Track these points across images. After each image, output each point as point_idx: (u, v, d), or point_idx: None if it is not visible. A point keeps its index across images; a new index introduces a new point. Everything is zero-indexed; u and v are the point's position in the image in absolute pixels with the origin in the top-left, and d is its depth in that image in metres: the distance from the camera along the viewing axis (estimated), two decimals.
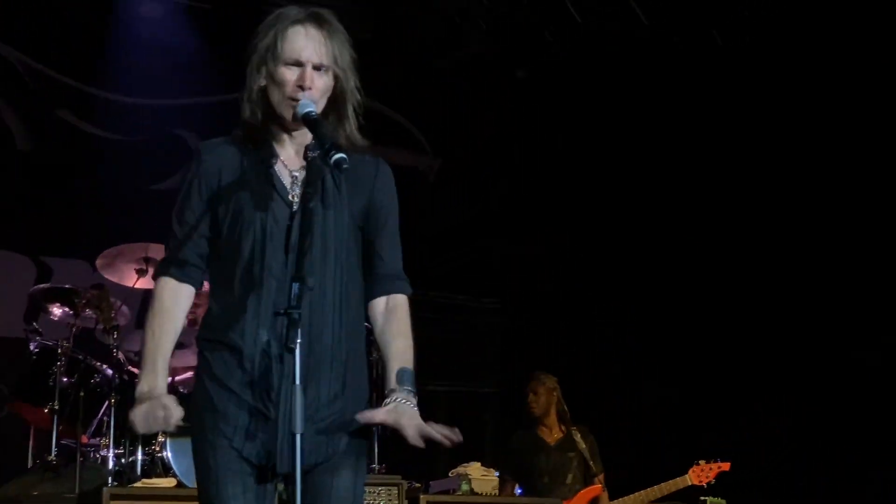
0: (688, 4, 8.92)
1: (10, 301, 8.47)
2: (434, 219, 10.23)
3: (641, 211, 9.31)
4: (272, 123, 3.26)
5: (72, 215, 8.90)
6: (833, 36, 8.06)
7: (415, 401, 3.16)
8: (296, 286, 2.90)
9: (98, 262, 7.68)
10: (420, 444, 3.09)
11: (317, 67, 3.18)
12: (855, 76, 7.95)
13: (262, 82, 3.22)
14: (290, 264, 3.09)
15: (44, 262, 9.07)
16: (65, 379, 6.91)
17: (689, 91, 8.99)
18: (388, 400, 3.16)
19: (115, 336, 7.07)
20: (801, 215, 8.20)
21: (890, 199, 7.74)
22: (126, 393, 6.96)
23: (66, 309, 7.34)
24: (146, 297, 8.08)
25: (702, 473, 7.22)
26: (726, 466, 7.25)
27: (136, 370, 7.17)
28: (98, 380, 7.08)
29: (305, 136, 3.22)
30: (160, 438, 6.51)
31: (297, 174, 3.23)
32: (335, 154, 2.97)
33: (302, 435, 2.89)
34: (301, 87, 3.15)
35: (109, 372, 7.01)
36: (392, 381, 3.19)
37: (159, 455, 6.53)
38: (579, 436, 7.53)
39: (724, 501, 7.21)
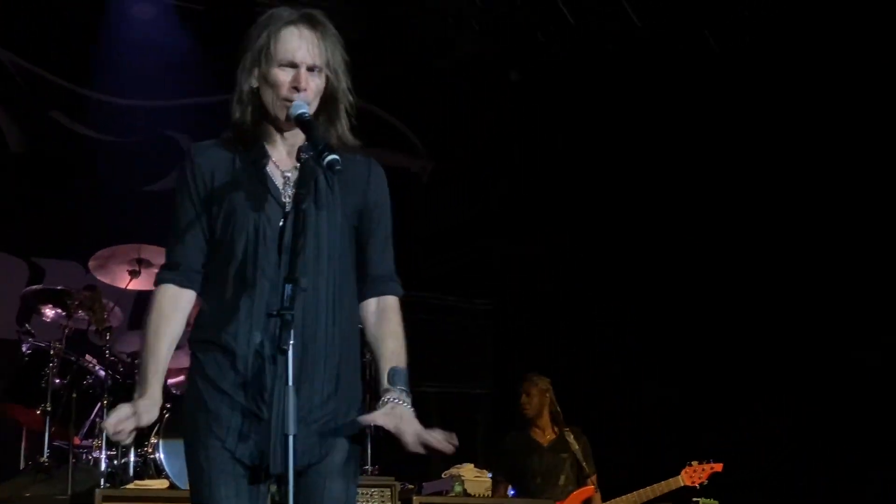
0: (679, 5, 8.92)
1: (3, 302, 8.45)
2: (427, 220, 10.22)
3: (641, 211, 9.31)
4: (264, 124, 3.26)
5: (64, 217, 8.89)
6: (828, 33, 8.07)
7: (409, 400, 3.16)
8: (288, 287, 2.90)
9: (91, 264, 7.68)
10: (420, 450, 3.09)
11: (310, 68, 3.18)
12: (853, 75, 7.95)
13: (255, 83, 3.21)
14: (284, 265, 3.08)
15: (36, 264, 9.06)
16: (57, 380, 6.90)
17: (687, 91, 9.00)
18: (383, 401, 3.16)
19: (108, 337, 7.06)
20: (800, 215, 8.21)
21: (889, 199, 7.73)
22: (118, 394, 6.95)
23: (59, 310, 7.34)
24: (139, 299, 8.11)
25: (694, 474, 7.22)
26: (719, 467, 7.25)
27: (127, 370, 7.18)
28: (90, 381, 7.07)
29: (297, 136, 3.22)
30: (153, 440, 6.50)
31: (289, 175, 3.23)
32: (328, 155, 2.97)
33: (295, 436, 2.89)
34: (296, 89, 3.15)
35: (102, 373, 7.00)
36: (387, 381, 3.19)
37: (152, 457, 6.53)
38: (572, 437, 7.53)
39: (716, 502, 7.21)
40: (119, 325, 7.73)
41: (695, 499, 7.22)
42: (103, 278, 7.70)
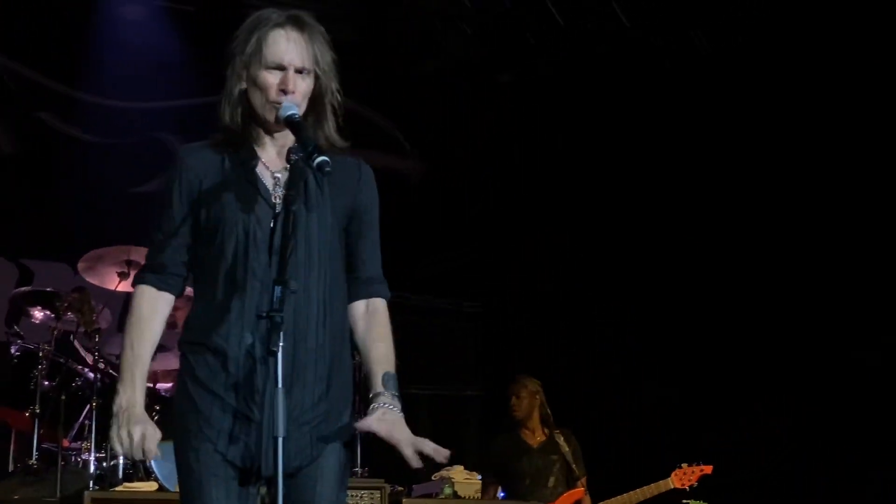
0: (668, 6, 8.94)
1: None
2: (418, 222, 10.21)
3: (641, 211, 9.31)
4: (253, 126, 3.25)
5: (53, 218, 8.88)
6: (819, 32, 8.09)
7: (399, 405, 3.17)
8: (278, 289, 2.90)
9: (80, 266, 7.67)
10: (418, 462, 3.10)
11: (298, 70, 3.18)
12: (846, 73, 7.97)
13: (243, 85, 3.21)
14: (274, 266, 3.07)
15: (25, 265, 9.04)
16: (46, 382, 6.89)
17: (681, 91, 9.02)
18: (373, 406, 3.16)
19: (97, 339, 7.05)
20: (800, 215, 8.21)
21: (889, 199, 7.75)
22: (107, 396, 6.94)
23: (48, 312, 7.33)
24: (128, 301, 8.09)
25: (684, 477, 7.23)
26: (708, 469, 7.26)
27: (116, 372, 7.16)
28: (79, 383, 7.07)
29: (286, 138, 3.22)
30: None
31: (278, 176, 3.22)
32: (318, 157, 2.97)
33: (286, 438, 2.89)
34: (284, 91, 3.15)
35: (91, 375, 6.99)
36: (377, 384, 3.19)
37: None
38: (562, 439, 7.53)
39: None
40: (108, 327, 7.72)
41: (684, 501, 7.22)
42: (92, 280, 7.69)
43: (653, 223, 9.21)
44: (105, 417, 6.85)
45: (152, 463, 6.40)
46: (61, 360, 7.07)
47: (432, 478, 7.38)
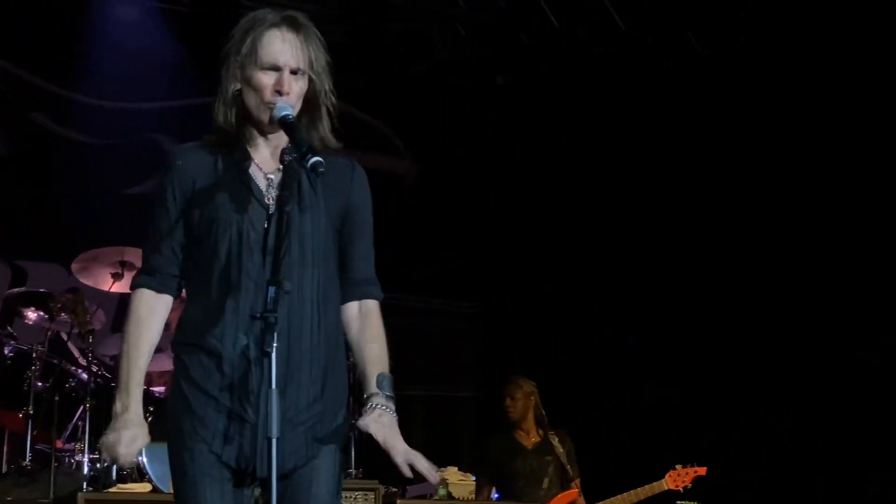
0: (662, 8, 8.95)
1: None
2: (414, 223, 10.21)
3: (641, 211, 9.30)
4: (247, 127, 3.25)
5: (47, 219, 8.86)
6: (812, 33, 8.10)
7: (393, 407, 3.18)
8: (272, 290, 2.90)
9: (73, 266, 7.66)
10: (408, 472, 3.10)
11: (293, 71, 3.18)
12: (841, 73, 7.97)
13: (237, 86, 3.21)
14: (268, 267, 3.07)
15: (19, 266, 9.02)
16: (39, 383, 6.88)
17: (685, 92, 9.02)
18: (368, 406, 3.16)
19: (91, 340, 7.04)
20: (800, 215, 8.20)
21: (889, 200, 7.75)
22: (101, 397, 6.94)
23: (41, 313, 7.32)
24: (122, 301, 8.08)
25: (678, 478, 7.22)
26: (703, 471, 7.25)
27: (110, 373, 7.16)
28: (73, 384, 7.06)
29: (280, 138, 3.22)
30: None
31: (272, 177, 3.22)
32: (312, 157, 2.97)
33: (279, 439, 2.89)
34: (279, 92, 3.15)
35: (84, 376, 6.98)
36: (372, 385, 3.19)
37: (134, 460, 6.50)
38: (557, 440, 7.53)
39: None
40: (102, 328, 7.72)
41: (678, 502, 7.23)
42: (86, 281, 7.68)
43: (652, 223, 9.20)
44: (99, 418, 6.85)
45: (146, 464, 6.39)
46: (55, 361, 7.06)
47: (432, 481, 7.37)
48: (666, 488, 7.23)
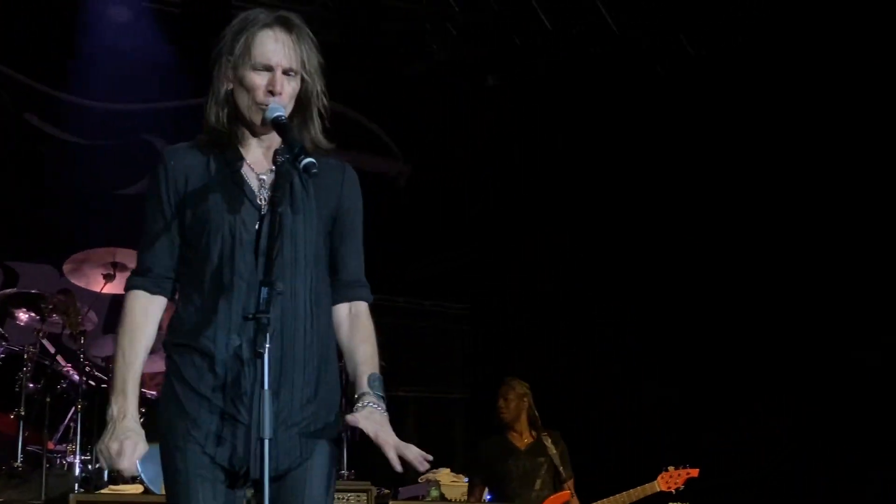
0: (655, 10, 8.96)
1: None
2: (407, 225, 10.22)
3: (640, 212, 9.31)
4: (239, 127, 3.24)
5: (39, 220, 8.85)
6: (803, 34, 8.11)
7: (384, 406, 3.17)
8: (265, 290, 2.90)
9: (65, 267, 7.65)
10: (397, 465, 3.09)
11: (286, 72, 3.17)
12: (843, 73, 7.97)
13: (230, 86, 3.20)
14: (260, 268, 3.07)
15: (10, 267, 9.00)
16: (31, 384, 6.87)
17: (684, 92, 9.03)
18: (359, 404, 3.16)
19: (82, 341, 7.03)
20: (800, 215, 8.21)
21: (889, 200, 7.76)
22: (93, 399, 6.93)
23: (33, 314, 7.30)
24: (113, 303, 8.07)
25: (670, 480, 7.23)
26: (695, 472, 7.26)
27: (101, 375, 7.15)
28: (64, 385, 7.04)
29: (272, 139, 3.22)
30: None
31: (264, 177, 3.21)
32: (305, 158, 2.97)
33: (272, 440, 2.89)
34: (271, 93, 3.14)
35: (76, 377, 6.96)
36: (363, 385, 3.19)
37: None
38: (550, 441, 7.53)
39: None
40: (93, 329, 7.70)
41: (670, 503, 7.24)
42: (78, 282, 7.67)
43: (652, 224, 9.21)
44: (90, 420, 6.84)
45: (137, 465, 6.37)
46: (46, 363, 7.05)
47: (419, 480, 7.37)
48: (658, 490, 7.23)
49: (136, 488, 6.23)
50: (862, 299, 7.81)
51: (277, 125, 3.12)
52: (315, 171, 2.96)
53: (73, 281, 7.68)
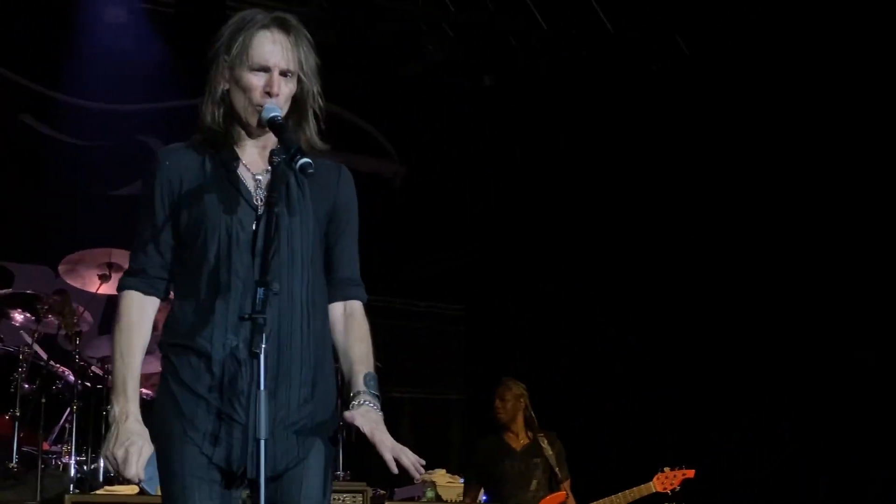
0: (651, 10, 8.97)
1: None
2: (404, 225, 10.22)
3: (641, 212, 9.32)
4: (234, 127, 3.24)
5: (34, 220, 8.84)
6: (804, 33, 8.13)
7: (379, 405, 3.17)
8: (261, 291, 2.90)
9: (60, 268, 7.65)
10: (393, 467, 3.08)
11: (283, 73, 3.17)
12: (839, 74, 7.98)
13: (226, 86, 3.20)
14: (257, 268, 3.07)
15: (5, 268, 9.00)
16: (26, 385, 6.86)
17: (683, 92, 9.03)
18: (354, 403, 3.16)
19: (78, 342, 7.02)
20: (800, 216, 8.22)
21: (888, 200, 7.76)
22: (88, 400, 6.93)
23: (28, 315, 7.30)
24: (109, 303, 8.06)
25: (666, 481, 7.22)
26: (691, 473, 7.25)
27: (96, 371, 7.14)
28: (60, 386, 7.04)
29: (267, 139, 3.21)
30: None
31: (260, 178, 3.21)
32: (301, 159, 2.97)
33: (268, 440, 2.89)
34: (268, 94, 3.14)
35: (71, 378, 6.96)
36: (359, 383, 3.19)
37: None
38: (546, 442, 7.52)
39: None
40: (89, 330, 7.70)
41: None
42: (73, 282, 7.67)
43: (652, 224, 9.22)
44: (86, 420, 6.84)
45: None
46: (42, 363, 7.04)
47: (415, 481, 7.36)
48: (654, 490, 7.23)
49: (132, 489, 6.22)
50: (862, 299, 7.81)
51: (273, 125, 3.11)
52: (311, 171, 2.96)
53: (68, 281, 7.68)
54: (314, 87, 3.24)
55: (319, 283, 3.25)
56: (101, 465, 6.64)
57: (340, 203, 3.31)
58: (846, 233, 7.93)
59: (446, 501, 7.30)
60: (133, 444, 3.06)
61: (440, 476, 7.44)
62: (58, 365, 7.15)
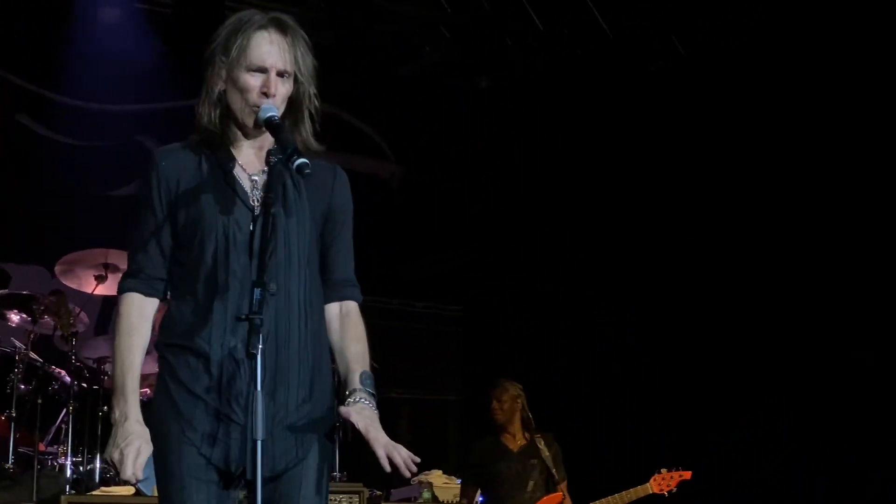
0: (647, 11, 8.97)
1: None
2: (401, 226, 10.22)
3: (640, 212, 9.31)
4: (230, 127, 3.24)
5: (30, 221, 8.83)
6: (800, 34, 8.13)
7: (375, 403, 3.17)
8: (257, 291, 2.90)
9: (57, 269, 7.64)
10: (386, 464, 3.08)
11: (280, 73, 3.17)
12: (837, 74, 7.98)
13: (222, 87, 3.20)
14: (254, 269, 3.06)
15: (1, 269, 8.99)
16: (22, 386, 6.85)
17: (683, 92, 9.03)
18: (350, 400, 3.16)
19: (74, 343, 7.01)
20: (797, 216, 8.21)
21: (887, 199, 7.76)
22: (84, 400, 6.92)
23: (24, 315, 7.29)
24: (105, 304, 8.07)
25: (663, 482, 7.22)
26: (687, 475, 7.24)
27: (92, 377, 7.14)
28: (56, 387, 7.03)
29: (264, 140, 3.22)
30: None
31: (256, 178, 3.21)
32: (298, 159, 2.97)
33: (265, 441, 2.89)
34: (266, 94, 3.14)
35: (67, 379, 6.96)
36: (355, 381, 3.20)
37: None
38: (543, 443, 7.52)
39: None
40: (85, 331, 7.69)
41: None
42: (69, 283, 7.66)
43: (651, 224, 9.22)
44: (82, 421, 6.84)
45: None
46: (38, 364, 7.03)
47: (411, 482, 7.37)
48: (650, 492, 7.23)
49: (128, 490, 6.22)
50: (861, 299, 7.81)
51: (270, 125, 3.11)
52: (308, 171, 2.96)
53: (64, 282, 7.67)
54: (310, 88, 3.24)
55: (316, 283, 3.25)
56: (98, 465, 6.64)
57: (336, 204, 3.32)
58: (843, 233, 7.93)
59: (443, 502, 7.30)
60: (129, 445, 3.04)
61: (437, 477, 7.43)
62: (54, 366, 7.14)
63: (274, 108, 3.13)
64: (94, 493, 6.26)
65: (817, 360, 7.90)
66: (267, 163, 3.12)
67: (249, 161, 3.24)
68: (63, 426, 6.91)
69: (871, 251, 7.83)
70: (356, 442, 3.14)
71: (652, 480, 7.22)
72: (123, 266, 3.33)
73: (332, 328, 3.31)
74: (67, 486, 6.53)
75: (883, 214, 7.79)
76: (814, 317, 7.96)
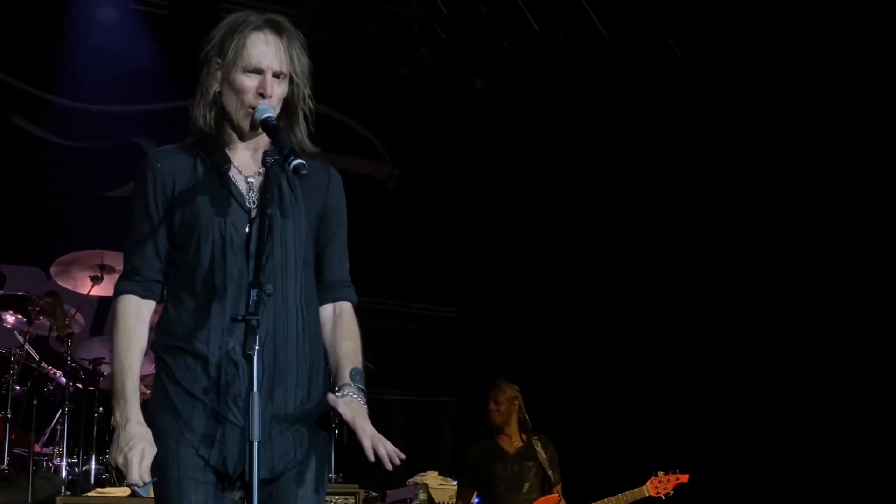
0: (643, 13, 8.98)
1: None
2: (398, 227, 10.22)
3: (640, 212, 9.32)
4: (226, 129, 3.23)
5: (26, 222, 8.82)
6: (797, 35, 8.13)
7: (364, 399, 3.17)
8: (254, 292, 2.89)
9: (52, 270, 7.63)
10: (370, 454, 3.07)
11: (276, 75, 3.17)
12: (835, 74, 7.98)
13: (218, 88, 3.19)
14: (251, 271, 3.06)
15: None
16: (17, 387, 6.85)
17: (683, 92, 9.04)
18: (339, 394, 3.15)
19: (69, 344, 7.01)
20: (797, 217, 8.22)
21: (886, 201, 7.77)
22: (80, 401, 6.91)
23: (20, 316, 7.27)
24: (101, 305, 8.06)
25: (660, 485, 7.21)
26: (685, 478, 7.24)
27: (87, 378, 7.13)
28: (51, 388, 7.02)
29: (259, 141, 3.21)
30: None
31: (252, 180, 3.21)
32: (294, 160, 2.96)
33: (264, 442, 2.89)
34: (262, 95, 3.14)
35: (63, 380, 6.95)
36: (345, 377, 3.19)
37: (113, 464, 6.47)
38: (539, 445, 7.52)
39: None
40: (81, 332, 7.67)
41: None
42: (65, 284, 7.65)
43: (651, 225, 9.22)
44: (77, 423, 6.83)
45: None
46: (33, 365, 7.02)
47: (407, 483, 7.37)
48: (647, 494, 7.22)
49: (124, 491, 6.22)
50: (861, 299, 7.81)
51: (267, 126, 3.11)
52: (305, 171, 2.96)
53: (60, 283, 7.66)
54: (305, 89, 3.24)
55: (312, 285, 3.26)
56: (93, 466, 6.63)
57: (331, 205, 3.32)
58: (843, 234, 7.93)
59: (438, 503, 7.30)
60: (132, 449, 3.03)
61: (433, 478, 7.43)
62: (49, 367, 7.14)
63: (270, 109, 3.12)
64: (89, 494, 6.26)
65: (816, 360, 7.90)
66: (263, 164, 3.12)
67: (245, 163, 3.23)
68: (58, 427, 6.90)
69: (871, 251, 7.84)
70: (352, 444, 3.13)
71: (649, 483, 7.22)
72: (119, 267, 3.32)
73: (326, 328, 3.31)
74: (63, 488, 6.52)
75: (882, 215, 7.80)
76: (812, 318, 7.96)
